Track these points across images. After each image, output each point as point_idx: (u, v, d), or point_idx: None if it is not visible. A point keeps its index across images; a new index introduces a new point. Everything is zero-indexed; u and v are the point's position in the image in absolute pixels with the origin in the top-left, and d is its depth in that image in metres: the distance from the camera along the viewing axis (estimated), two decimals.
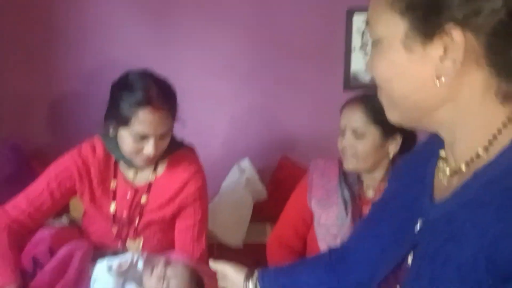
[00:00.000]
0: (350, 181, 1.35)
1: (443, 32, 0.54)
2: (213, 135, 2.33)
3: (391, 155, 1.27)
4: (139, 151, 1.30)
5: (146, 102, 1.24)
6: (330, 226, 1.31)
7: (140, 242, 1.45)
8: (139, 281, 1.24)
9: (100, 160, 1.40)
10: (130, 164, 1.39)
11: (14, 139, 2.14)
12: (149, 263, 1.24)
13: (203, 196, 1.47)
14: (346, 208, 1.29)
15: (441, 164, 0.66)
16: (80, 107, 2.26)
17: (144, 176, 1.43)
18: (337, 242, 1.26)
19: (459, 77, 0.56)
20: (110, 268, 1.21)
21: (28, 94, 2.27)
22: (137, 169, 1.42)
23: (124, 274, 1.22)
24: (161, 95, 1.27)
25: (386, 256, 0.74)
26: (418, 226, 0.66)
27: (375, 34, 0.61)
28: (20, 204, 1.33)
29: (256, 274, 1.03)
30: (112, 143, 1.38)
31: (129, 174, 1.43)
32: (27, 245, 1.30)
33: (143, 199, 1.42)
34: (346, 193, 1.31)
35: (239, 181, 2.21)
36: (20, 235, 1.31)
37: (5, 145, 2.07)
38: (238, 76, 2.31)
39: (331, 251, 0.99)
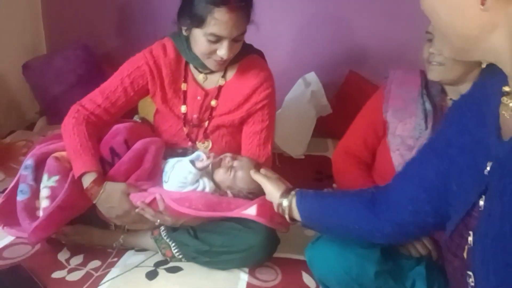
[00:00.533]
0: (432, 93, 1.25)
1: None
2: (278, 46, 2.24)
3: (484, 64, 1.14)
4: (212, 53, 1.27)
5: (223, 0, 1.18)
6: (406, 137, 1.25)
7: (209, 144, 1.48)
8: (210, 176, 1.31)
9: (171, 60, 1.39)
10: (201, 66, 1.37)
11: (85, 41, 2.19)
12: (218, 157, 1.32)
13: (272, 103, 1.45)
14: (426, 121, 1.21)
15: (505, 100, 0.63)
16: (149, 10, 2.24)
17: (214, 80, 1.42)
18: (412, 154, 1.20)
19: (504, 3, 0.53)
20: (190, 170, 1.27)
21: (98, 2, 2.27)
22: (207, 73, 1.40)
23: (199, 173, 1.28)
24: None
25: (453, 202, 0.72)
26: (488, 167, 0.63)
27: None
28: (96, 99, 1.37)
29: (293, 193, 1.04)
30: (184, 44, 1.36)
31: (199, 77, 1.42)
32: (105, 137, 1.36)
33: (213, 102, 1.42)
34: (428, 105, 1.22)
35: (304, 94, 2.16)
36: (98, 127, 1.37)
37: (78, 46, 2.14)
38: None
39: (375, 188, 0.97)
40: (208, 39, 1.24)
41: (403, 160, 1.26)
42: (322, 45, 2.27)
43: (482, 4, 0.54)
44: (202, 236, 1.28)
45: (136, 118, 1.67)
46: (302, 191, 1.05)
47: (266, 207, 1.22)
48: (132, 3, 2.26)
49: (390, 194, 0.90)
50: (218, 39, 1.24)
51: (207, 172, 1.33)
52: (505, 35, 0.55)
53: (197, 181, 1.29)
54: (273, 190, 1.09)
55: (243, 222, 1.25)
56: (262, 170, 1.22)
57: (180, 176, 1.28)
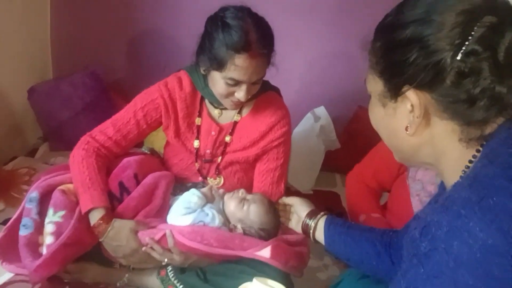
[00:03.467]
0: None
1: (404, 91, 0.64)
2: (289, 79, 2.22)
3: None
4: (229, 94, 1.25)
5: (245, 47, 1.16)
6: (427, 183, 1.23)
7: (220, 180, 1.43)
8: (218, 210, 1.27)
9: (186, 94, 1.37)
10: (217, 102, 1.35)
11: (94, 68, 2.17)
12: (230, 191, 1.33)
13: (288, 141, 1.42)
14: None
15: None
16: (160, 40, 2.23)
17: (229, 116, 1.39)
18: None
19: (426, 127, 0.65)
20: (194, 192, 1.26)
21: (109, 27, 2.27)
22: (222, 108, 1.38)
23: (206, 199, 1.27)
24: (260, 39, 1.18)
25: None
26: None
27: (368, 88, 0.73)
28: (107, 130, 1.34)
29: (322, 214, 1.11)
30: (200, 79, 1.33)
31: (214, 112, 1.39)
32: (114, 170, 1.32)
33: (228, 138, 1.39)
34: None
35: (313, 128, 2.14)
36: (107, 159, 1.34)
37: (86, 73, 2.11)
38: (321, 19, 2.16)
39: (393, 232, 1.00)
40: (227, 82, 1.21)
41: (422, 206, 1.22)
42: (332, 80, 2.26)
43: (406, 130, 0.66)
44: (212, 280, 1.21)
45: (144, 149, 1.63)
46: (332, 216, 1.11)
47: (281, 249, 1.18)
48: (143, 32, 2.25)
49: (401, 241, 0.90)
50: (237, 83, 1.21)
51: (216, 207, 1.28)
52: (429, 151, 0.68)
53: (204, 211, 1.24)
54: (302, 206, 1.16)
55: (256, 265, 1.19)
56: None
57: (185, 200, 1.25)
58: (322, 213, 1.12)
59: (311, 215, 1.12)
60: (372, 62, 0.70)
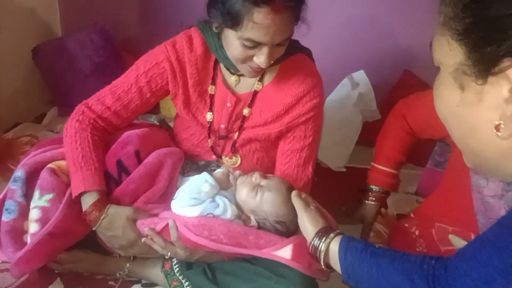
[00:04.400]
0: None
1: (503, 68, 0.40)
2: (322, 39, 1.93)
3: None
4: (248, 58, 1.01)
5: (266, 0, 0.91)
6: (493, 177, 0.98)
7: (237, 159, 1.22)
8: (232, 198, 1.08)
9: (197, 57, 1.14)
10: (234, 67, 1.11)
11: (103, 25, 1.95)
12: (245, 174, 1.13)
13: (318, 116, 1.18)
14: None
15: None
16: None
17: (249, 84, 1.16)
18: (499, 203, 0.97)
19: None
20: (206, 179, 1.05)
21: None
22: (240, 74, 1.15)
23: (219, 185, 1.06)
24: None
25: None
26: None
27: (436, 57, 0.51)
28: (106, 99, 1.14)
29: (332, 236, 0.87)
30: (214, 40, 1.10)
31: (231, 79, 1.16)
32: (113, 145, 1.13)
33: (246, 111, 1.16)
34: None
35: (350, 96, 1.88)
36: (105, 133, 1.16)
37: (94, 30, 1.90)
38: None
39: (437, 261, 0.77)
40: (244, 44, 0.97)
41: (484, 207, 1.00)
42: (374, 41, 1.97)
43: (497, 130, 0.45)
44: (223, 280, 1.04)
45: (153, 119, 1.43)
46: (348, 239, 0.85)
47: (304, 248, 0.97)
48: None
49: (459, 275, 0.68)
50: (256, 44, 0.97)
51: (230, 196, 1.08)
52: None
53: (215, 200, 1.04)
54: (309, 225, 0.91)
55: (274, 266, 1.01)
56: (303, 195, 1.00)
57: (194, 187, 1.04)
58: (335, 233, 0.87)
59: (322, 234, 0.88)
60: (447, 16, 0.45)
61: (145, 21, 2.09)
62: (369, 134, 1.94)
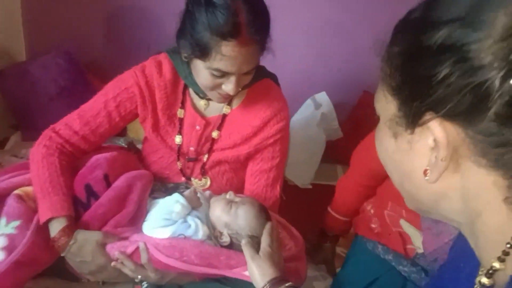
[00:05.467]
0: None
1: (426, 121, 0.45)
2: (286, 62, 2.01)
3: None
4: (216, 86, 1.05)
5: (233, 33, 0.95)
6: None
7: (206, 181, 1.25)
8: (204, 217, 1.09)
9: (166, 82, 1.16)
10: (202, 92, 1.15)
11: (68, 47, 1.95)
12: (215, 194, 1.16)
13: (285, 138, 1.23)
14: None
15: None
16: (138, 21, 2.01)
17: (218, 107, 1.19)
18: None
19: (455, 174, 0.46)
20: (177, 199, 1.06)
21: (85, 4, 2.03)
22: (209, 99, 1.18)
23: (190, 205, 1.07)
24: (252, 22, 0.96)
25: None
26: None
27: (376, 108, 0.54)
28: (73, 124, 1.14)
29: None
30: (184, 68, 1.13)
31: (200, 103, 1.20)
32: (81, 170, 1.13)
33: (215, 133, 1.19)
34: None
35: (313, 116, 1.96)
36: (73, 158, 1.15)
37: (59, 53, 1.89)
38: None
39: None
40: (213, 73, 1.01)
41: None
42: (335, 62, 2.07)
43: (425, 175, 0.48)
44: None
45: (121, 142, 1.44)
46: None
47: None
48: (124, 7, 2.03)
49: None
50: (224, 74, 1.01)
51: (202, 216, 1.10)
52: (458, 206, 0.48)
53: (186, 221, 1.06)
54: (257, 275, 0.90)
55: (245, 286, 1.02)
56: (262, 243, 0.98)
57: (165, 208, 1.06)
58: (288, 285, 0.86)
59: (275, 284, 0.87)
60: (385, 73, 0.49)
61: (111, 45, 2.10)
62: (332, 152, 2.02)
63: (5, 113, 1.92)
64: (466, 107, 0.41)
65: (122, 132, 1.96)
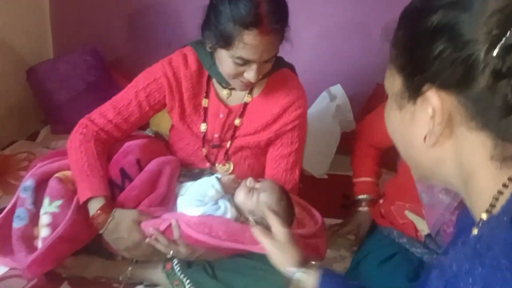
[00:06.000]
0: None
1: (424, 91, 0.52)
2: (301, 55, 2.06)
3: None
4: (238, 74, 1.13)
5: (254, 23, 1.03)
6: None
7: (230, 166, 1.33)
8: (232, 202, 1.17)
9: (192, 73, 1.24)
10: (225, 82, 1.22)
11: (94, 46, 2.05)
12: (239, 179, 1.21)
13: (303, 124, 1.31)
14: None
15: None
16: (159, 19, 2.10)
17: (239, 96, 1.27)
18: None
19: (450, 138, 0.53)
20: (213, 184, 1.14)
21: (109, 4, 2.13)
22: (231, 88, 1.26)
23: (224, 191, 1.15)
24: (273, 12, 1.04)
25: None
26: None
27: (385, 87, 0.61)
28: (107, 113, 1.23)
29: (313, 271, 0.86)
30: (207, 58, 1.21)
31: (223, 92, 1.27)
32: (115, 156, 1.21)
33: (237, 121, 1.27)
34: None
35: (328, 108, 2.00)
36: (107, 144, 1.24)
37: (86, 51, 1.99)
38: None
39: None
40: (235, 61, 1.09)
41: (426, 186, 1.19)
42: (349, 56, 2.12)
43: (425, 140, 0.55)
44: (222, 276, 1.12)
45: (148, 131, 1.53)
46: (327, 272, 0.86)
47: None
48: (146, 6, 2.12)
49: None
50: (246, 62, 1.09)
51: (229, 199, 1.18)
52: (453, 169, 0.55)
53: (217, 203, 1.14)
54: (282, 258, 0.92)
55: (269, 261, 1.09)
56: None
57: (201, 190, 1.14)
58: (313, 263, 0.89)
59: (297, 265, 0.89)
60: (392, 55, 0.57)
61: (134, 42, 2.19)
62: (347, 143, 2.07)
63: (35, 108, 2.03)
64: (458, 78, 0.48)
65: (144, 126, 2.05)
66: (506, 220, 0.46)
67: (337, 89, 2.02)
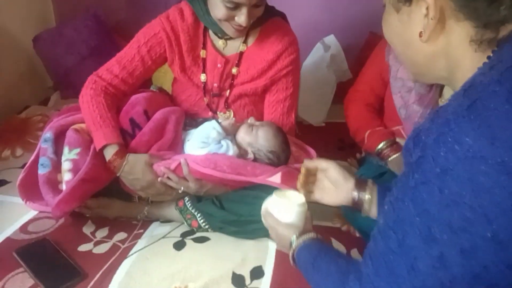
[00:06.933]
0: None
1: None
2: (294, 7, 2.13)
3: None
4: (230, 18, 1.20)
5: None
6: (406, 79, 1.28)
7: (230, 114, 1.43)
8: (233, 140, 1.28)
9: (189, 26, 1.33)
10: (221, 32, 1.31)
11: (95, 11, 2.12)
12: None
13: (296, 70, 1.39)
14: None
15: None
16: None
17: (235, 46, 1.36)
18: (411, 95, 1.25)
19: (442, 33, 0.61)
20: (214, 126, 1.26)
21: None
22: (227, 38, 1.34)
23: (225, 133, 1.27)
24: None
25: None
26: None
27: None
28: (113, 69, 1.33)
29: (372, 186, 0.91)
30: (202, 9, 1.29)
31: (219, 43, 1.36)
32: (124, 107, 1.32)
33: (234, 70, 1.36)
34: None
35: (323, 59, 2.08)
36: (116, 98, 1.33)
37: (88, 17, 2.07)
38: None
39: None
40: (226, 5, 1.16)
41: (403, 101, 1.29)
42: (341, 5, 2.17)
43: (420, 36, 0.62)
44: (228, 206, 1.25)
45: (153, 88, 1.62)
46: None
47: (290, 175, 1.19)
48: None
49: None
50: (236, 5, 1.16)
51: (231, 139, 1.29)
52: (444, 62, 0.64)
53: (220, 142, 1.26)
54: (343, 179, 0.94)
55: (269, 190, 1.21)
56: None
57: (203, 133, 1.26)
58: (371, 182, 0.93)
59: (360, 186, 0.92)
60: None
61: (132, 6, 2.25)
62: (343, 93, 2.14)
63: (44, 75, 2.13)
64: None
65: (148, 84, 2.14)
66: (460, 92, 0.56)
67: (331, 40, 2.09)
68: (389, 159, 1.35)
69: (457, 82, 0.63)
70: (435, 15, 0.60)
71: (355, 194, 0.92)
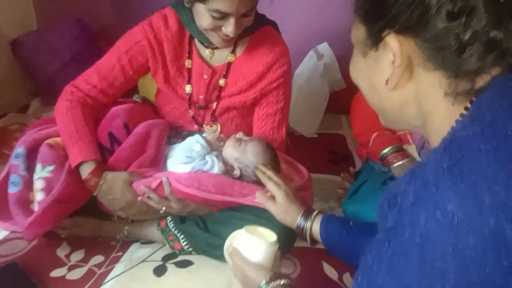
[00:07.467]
0: None
1: (384, 37, 0.55)
2: (286, 13, 2.06)
3: None
4: (217, 28, 1.12)
5: None
6: None
7: (217, 127, 1.35)
8: (219, 157, 1.21)
9: (173, 34, 1.25)
10: (207, 41, 1.23)
11: (79, 16, 2.03)
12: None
13: (288, 82, 1.32)
14: None
15: None
16: None
17: (222, 56, 1.28)
18: None
19: (410, 81, 0.56)
20: (198, 140, 1.19)
21: None
22: (214, 48, 1.26)
23: (210, 147, 1.20)
24: None
25: None
26: None
27: (352, 38, 0.63)
28: (91, 79, 1.25)
29: (316, 216, 0.96)
30: (187, 16, 1.21)
31: (206, 52, 1.28)
32: (102, 121, 1.24)
33: (222, 81, 1.28)
34: None
35: (316, 68, 2.02)
36: (94, 110, 1.26)
37: (72, 21, 1.98)
38: None
39: None
40: (212, 15, 1.08)
41: None
42: (334, 13, 2.10)
43: (386, 84, 0.57)
44: (213, 228, 1.17)
45: (136, 97, 1.54)
46: (328, 219, 0.96)
47: None
48: None
49: None
50: (223, 15, 1.08)
51: (217, 155, 1.22)
52: (414, 111, 0.58)
53: (204, 158, 1.18)
54: (288, 218, 0.99)
55: (257, 212, 1.14)
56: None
57: (187, 147, 1.18)
58: (315, 213, 0.97)
59: (304, 215, 0.97)
60: (357, 5, 0.60)
61: (117, 11, 2.17)
62: (336, 103, 2.09)
63: (24, 81, 2.03)
64: (414, 21, 0.51)
65: (132, 92, 2.06)
66: (439, 148, 0.50)
67: (324, 48, 2.03)
68: (394, 165, 1.33)
69: (432, 132, 0.57)
70: (401, 63, 0.55)
71: (299, 221, 0.97)
